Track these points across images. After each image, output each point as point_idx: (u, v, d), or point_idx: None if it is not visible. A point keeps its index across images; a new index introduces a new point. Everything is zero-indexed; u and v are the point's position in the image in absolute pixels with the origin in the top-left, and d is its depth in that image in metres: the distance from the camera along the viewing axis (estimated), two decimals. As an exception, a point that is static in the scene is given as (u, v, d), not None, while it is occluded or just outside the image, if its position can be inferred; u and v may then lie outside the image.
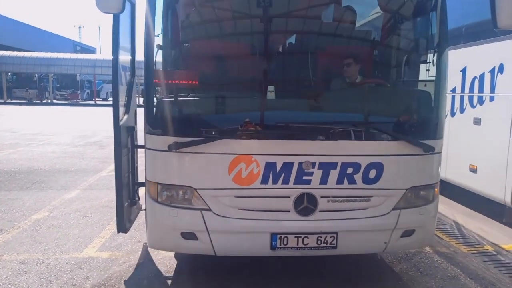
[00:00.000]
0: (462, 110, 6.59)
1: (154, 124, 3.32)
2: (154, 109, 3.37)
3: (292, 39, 3.96)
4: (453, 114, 6.84)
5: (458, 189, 6.76)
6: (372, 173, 3.32)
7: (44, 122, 19.77)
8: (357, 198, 3.36)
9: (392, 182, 3.38)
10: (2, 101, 38.02)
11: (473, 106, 6.32)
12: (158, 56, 3.41)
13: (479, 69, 6.19)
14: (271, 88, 3.41)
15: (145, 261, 4.32)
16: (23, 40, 43.51)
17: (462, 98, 6.60)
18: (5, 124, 18.37)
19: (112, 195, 6.83)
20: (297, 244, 3.30)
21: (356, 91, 3.90)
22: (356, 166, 3.28)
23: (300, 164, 3.20)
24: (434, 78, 3.60)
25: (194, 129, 3.22)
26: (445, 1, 3.55)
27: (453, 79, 6.85)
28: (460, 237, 5.32)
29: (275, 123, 3.33)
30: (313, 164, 3.21)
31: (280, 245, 3.27)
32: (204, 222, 3.23)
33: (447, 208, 6.64)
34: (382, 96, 3.90)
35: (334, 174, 3.25)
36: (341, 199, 3.33)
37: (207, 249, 3.30)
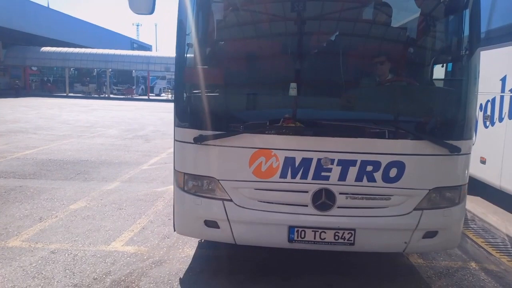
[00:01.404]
0: (523, 113, 5.95)
1: (182, 118, 3.50)
2: (183, 103, 3.53)
3: (321, 39, 3.95)
4: (511, 116, 6.19)
5: (515, 200, 6.13)
6: (393, 172, 3.29)
7: (98, 115, 20.74)
8: (377, 196, 3.34)
9: (414, 182, 3.33)
10: (64, 94, 40.57)
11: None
12: (188, 54, 3.54)
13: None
14: (293, 85, 3.42)
15: (169, 258, 4.27)
16: (84, 38, 46.09)
17: (523, 99, 5.95)
18: (63, 116, 19.47)
19: (148, 188, 6.99)
20: (314, 238, 3.35)
21: (381, 90, 3.82)
22: (376, 164, 3.27)
23: (319, 160, 3.25)
24: (462, 77, 3.54)
25: (218, 123, 3.33)
26: (479, 2, 3.46)
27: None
28: (513, 254, 4.79)
29: (295, 119, 3.33)
30: (332, 161, 3.25)
31: (298, 238, 3.35)
32: (225, 212, 3.37)
33: (500, 220, 6.04)
34: (408, 95, 3.80)
35: (353, 171, 3.26)
36: (360, 196, 3.34)
37: (227, 237, 3.45)
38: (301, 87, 3.50)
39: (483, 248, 4.91)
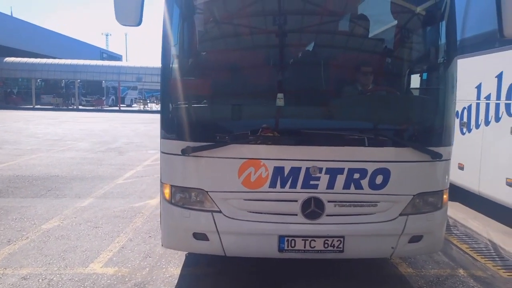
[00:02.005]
0: (497, 119, 6.07)
1: (169, 130, 3.47)
2: (169, 115, 3.51)
3: (303, 49, 4.00)
4: (487, 123, 6.32)
5: (494, 205, 6.23)
6: (379, 179, 3.35)
7: (67, 128, 20.03)
8: (364, 203, 3.40)
9: (399, 188, 3.41)
10: (31, 106, 39.11)
11: (510, 115, 5.80)
12: (174, 65, 3.52)
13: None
14: (280, 95, 3.42)
15: (152, 279, 4.04)
16: (51, 48, 44.85)
17: (497, 105, 6.09)
18: (30, 129, 18.69)
19: (125, 204, 6.70)
20: (304, 247, 3.36)
21: (364, 99, 3.90)
22: (363, 172, 3.32)
23: (307, 169, 3.27)
24: (442, 86, 3.64)
25: (206, 135, 3.32)
26: (454, 12, 3.58)
27: (487, 85, 6.37)
28: (497, 259, 4.82)
29: (283, 129, 3.39)
30: (320, 169, 3.28)
31: (288, 247, 3.35)
32: (215, 224, 3.33)
33: (481, 225, 6.12)
34: (390, 104, 3.91)
35: (341, 179, 3.31)
36: (348, 203, 3.38)
37: (217, 249, 3.41)
38: (289, 97, 3.50)
39: (468, 254, 4.93)
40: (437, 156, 3.40)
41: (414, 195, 3.44)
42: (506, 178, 5.80)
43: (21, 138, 15.35)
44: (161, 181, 3.58)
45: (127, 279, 4.00)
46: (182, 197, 3.42)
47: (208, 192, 3.34)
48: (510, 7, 3.22)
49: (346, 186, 3.32)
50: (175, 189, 3.44)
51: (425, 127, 3.66)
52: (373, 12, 3.85)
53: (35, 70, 38.28)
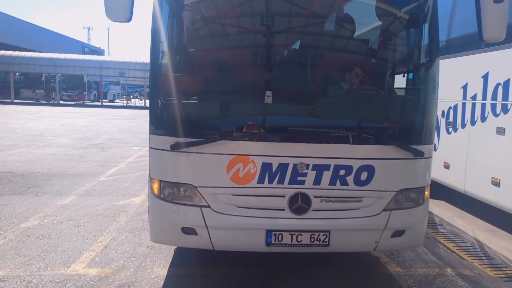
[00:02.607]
0: (483, 119, 6.12)
1: (158, 125, 3.49)
2: (158, 111, 3.54)
3: (290, 49, 4.07)
4: (473, 123, 6.37)
5: (479, 203, 6.29)
6: (364, 175, 3.45)
7: (48, 123, 19.52)
8: (349, 199, 3.49)
9: (383, 184, 3.51)
10: (9, 101, 38.04)
11: (496, 115, 5.86)
12: (163, 61, 3.54)
13: (503, 75, 5.73)
14: (268, 93, 3.47)
15: (137, 280, 3.91)
16: (31, 41, 43.73)
17: (483, 106, 6.14)
18: (9, 124, 18.14)
19: (108, 202, 6.51)
20: (291, 241, 3.44)
21: (349, 98, 3.99)
22: (348, 168, 3.42)
23: (295, 165, 3.34)
24: (424, 86, 3.76)
25: (195, 131, 3.37)
26: (437, 14, 3.67)
27: (473, 86, 6.42)
28: (484, 258, 4.85)
29: (271, 126, 3.51)
30: (307, 166, 3.35)
31: (275, 241, 3.42)
32: (204, 218, 3.38)
33: (466, 223, 6.18)
34: (374, 103, 4.04)
35: (327, 176, 3.39)
36: (333, 199, 3.46)
37: (205, 243, 3.46)
38: (276, 95, 3.52)
39: (455, 253, 4.95)
40: (419, 154, 3.53)
41: (397, 191, 3.56)
42: (492, 177, 5.86)
43: (0, 133, 14.89)
44: (149, 176, 3.59)
45: (110, 280, 3.86)
46: (171, 192, 3.44)
47: (197, 188, 3.37)
48: (488, 12, 3.33)
49: (332, 182, 3.40)
50: (164, 184, 3.45)
51: (407, 125, 3.78)
52: (358, 13, 3.93)
53: (14, 63, 37.19)
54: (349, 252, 4.48)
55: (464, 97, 6.62)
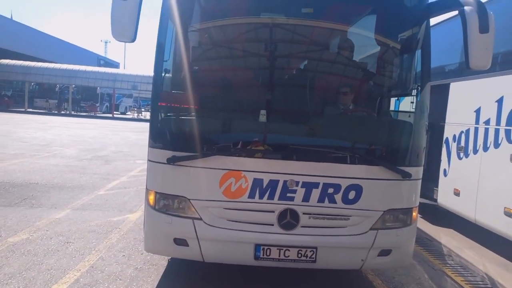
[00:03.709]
0: (497, 145, 5.82)
1: (157, 139, 3.66)
2: (158, 125, 3.71)
3: (287, 72, 4.22)
4: (486, 148, 6.07)
5: (490, 234, 5.93)
6: (352, 194, 3.53)
7: (57, 133, 19.61)
8: (337, 217, 3.56)
9: (370, 204, 3.57)
10: (23, 110, 38.62)
11: (510, 142, 5.56)
12: (165, 79, 3.75)
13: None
14: (262, 112, 3.62)
15: (119, 305, 3.67)
16: (48, 52, 44.61)
17: (497, 131, 5.84)
18: (18, 133, 18.24)
19: (102, 217, 6.32)
20: (279, 256, 3.52)
21: (340, 120, 4.13)
22: (337, 187, 3.50)
23: (285, 182, 3.45)
24: (414, 110, 3.87)
25: (191, 145, 3.47)
26: (429, 44, 3.82)
27: (487, 110, 6.14)
28: (495, 296, 4.51)
29: (264, 144, 3.56)
30: (297, 183, 3.45)
31: (263, 255, 3.51)
32: (195, 230, 3.48)
33: (477, 255, 5.81)
34: (364, 125, 4.16)
35: (316, 193, 3.48)
36: (321, 216, 3.54)
37: (196, 255, 3.56)
38: (270, 114, 3.69)
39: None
40: (407, 176, 3.62)
41: (384, 211, 3.62)
42: (505, 208, 5.53)
43: (7, 141, 14.92)
44: (146, 187, 3.74)
45: (91, 305, 3.63)
46: (165, 204, 3.57)
47: (191, 200, 3.49)
48: (474, 42, 3.44)
49: (321, 199, 3.49)
50: (159, 195, 3.58)
51: (396, 147, 3.89)
52: (353, 41, 4.10)
53: (30, 73, 37.89)
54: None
55: (477, 122, 6.34)
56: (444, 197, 7.15)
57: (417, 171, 3.76)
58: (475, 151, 6.33)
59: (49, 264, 4.41)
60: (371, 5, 4.04)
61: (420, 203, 7.61)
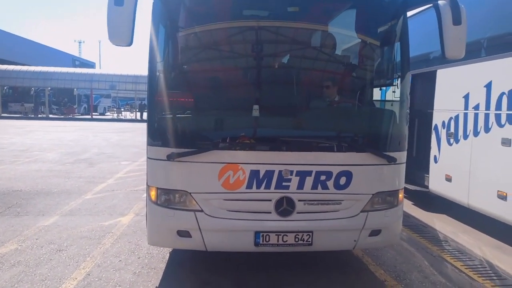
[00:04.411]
0: (487, 130, 5.88)
1: (155, 137, 3.81)
2: (155, 124, 3.83)
3: (276, 67, 4.36)
4: (476, 133, 6.13)
5: (484, 218, 6.01)
6: (343, 180, 3.77)
7: (36, 138, 19.03)
8: (330, 202, 3.81)
9: (360, 188, 3.84)
10: (-3, 115, 37.41)
11: (501, 126, 5.62)
12: (160, 79, 3.86)
13: (508, 84, 5.50)
14: (255, 107, 3.79)
15: (122, 313, 3.53)
16: (20, 55, 43.20)
17: (487, 116, 5.90)
18: (-6, 139, 17.63)
19: (93, 222, 6.12)
20: (278, 241, 3.74)
21: (328, 111, 4.35)
22: (329, 174, 3.74)
23: (280, 172, 3.66)
24: (396, 99, 4.09)
25: (189, 142, 3.67)
26: (407, 36, 4.06)
27: (475, 95, 6.19)
28: (495, 278, 4.54)
29: (259, 137, 3.82)
30: (291, 172, 3.67)
31: (263, 242, 3.72)
32: (197, 222, 3.66)
33: (472, 239, 5.88)
34: (351, 115, 4.44)
35: (309, 181, 3.71)
36: (315, 202, 3.78)
37: (199, 245, 3.74)
38: (263, 109, 3.84)
39: (464, 273, 4.64)
40: (392, 160, 3.88)
41: (373, 194, 3.88)
42: (498, 191, 5.59)
43: (-17, 148, 14.39)
44: (147, 184, 3.89)
45: (92, 315, 3.48)
46: (167, 199, 3.72)
47: (191, 193, 3.65)
48: (449, 33, 3.74)
49: (314, 186, 3.72)
50: (160, 191, 3.74)
51: (381, 135, 4.10)
52: (335, 36, 4.32)
53: (2, 77, 36.69)
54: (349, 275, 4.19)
55: (466, 107, 6.39)
56: (436, 184, 7.22)
57: (401, 156, 4.03)
58: (466, 137, 6.38)
59: (43, 274, 4.22)
60: (350, 0, 4.26)
61: (411, 190, 7.80)
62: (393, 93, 4.16)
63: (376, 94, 4.74)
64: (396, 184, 4.04)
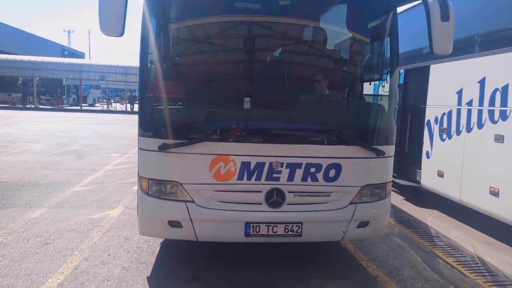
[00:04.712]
0: (480, 126, 5.87)
1: (147, 128, 3.83)
2: (147, 115, 3.87)
3: (266, 61, 4.39)
4: (469, 129, 6.12)
5: (476, 214, 6.02)
6: (332, 172, 3.83)
7: (24, 128, 18.70)
8: (319, 193, 3.87)
9: (349, 180, 3.90)
10: (-17, 105, 36.73)
11: (494, 122, 5.61)
12: (151, 70, 3.90)
13: (502, 80, 5.48)
14: (246, 99, 3.79)
15: (110, 309, 3.44)
16: (8, 43, 42.23)
17: (480, 112, 5.89)
18: (-20, 129, 17.28)
19: (81, 215, 6.00)
20: (268, 232, 3.78)
21: (318, 104, 4.40)
22: (318, 166, 3.80)
23: (270, 163, 3.71)
24: (385, 94, 4.15)
25: (181, 133, 3.69)
26: (397, 32, 4.12)
27: (469, 91, 6.17)
28: (487, 274, 4.54)
29: (250, 129, 3.83)
30: (282, 164, 3.72)
31: (253, 232, 3.76)
32: (188, 212, 3.70)
33: (464, 235, 5.89)
34: (341, 109, 4.52)
35: (299, 173, 3.76)
36: (305, 194, 3.84)
37: (190, 235, 3.79)
38: (254, 101, 3.85)
39: (456, 269, 4.63)
40: (380, 153, 3.95)
41: (361, 187, 3.95)
42: (490, 187, 5.60)
43: (-31, 139, 14.08)
44: (138, 175, 3.89)
45: (79, 311, 3.39)
46: (158, 189, 3.75)
47: (183, 184, 3.69)
48: (437, 29, 3.78)
49: (304, 178, 3.77)
50: (152, 181, 3.77)
51: (370, 128, 4.20)
52: (325, 31, 4.38)
53: (-12, 66, 35.96)
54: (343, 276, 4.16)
55: (459, 103, 6.38)
56: (428, 179, 7.22)
57: (389, 149, 4.10)
58: (458, 132, 6.37)
59: (29, 269, 4.11)
60: None
61: (403, 185, 7.79)
62: (382, 88, 4.23)
63: (366, 88, 4.77)
64: (384, 177, 4.12)
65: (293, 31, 4.40)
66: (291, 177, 3.74)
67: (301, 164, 3.75)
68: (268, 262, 4.47)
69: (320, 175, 3.80)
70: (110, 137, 16.51)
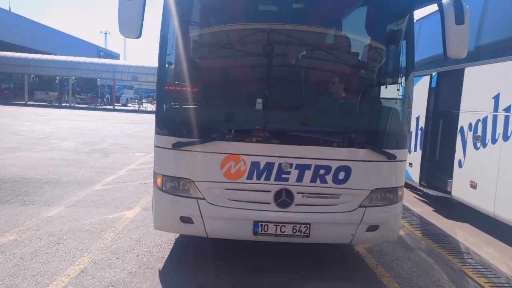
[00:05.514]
0: (519, 134, 5.40)
1: (162, 127, 3.99)
2: (163, 114, 4.04)
3: (281, 63, 4.42)
4: (506, 138, 5.65)
5: (508, 228, 5.54)
6: (341, 175, 3.83)
7: (56, 126, 19.26)
8: (328, 195, 3.88)
9: (359, 183, 3.88)
10: (23, 102, 38.30)
11: (535, 130, 5.13)
12: (168, 71, 4.07)
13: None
14: (259, 100, 3.91)
15: (110, 317, 3.31)
16: (47, 44, 44.03)
17: (520, 119, 5.41)
18: (16, 126, 17.91)
19: (97, 215, 5.96)
20: (276, 232, 3.82)
21: (330, 107, 4.31)
22: (328, 168, 3.81)
23: (280, 164, 3.76)
24: (399, 97, 4.18)
25: (194, 132, 3.80)
26: (413, 34, 4.11)
27: (507, 96, 5.70)
28: (522, 299, 4.12)
29: (260, 129, 3.90)
30: (291, 165, 3.76)
31: (261, 231, 3.81)
32: (199, 209, 3.80)
33: (497, 253, 5.42)
34: (352, 111, 4.43)
35: (308, 174, 3.79)
36: (314, 195, 3.85)
37: (200, 231, 3.88)
38: (266, 103, 3.96)
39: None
40: (392, 157, 3.90)
41: (371, 190, 3.92)
42: (528, 201, 5.13)
43: (3, 135, 14.57)
44: (154, 171, 4.07)
45: (78, 317, 3.27)
46: (171, 186, 3.89)
47: (195, 182, 3.80)
48: (451, 32, 3.78)
49: (313, 180, 3.79)
50: (166, 178, 3.91)
51: (382, 132, 4.15)
52: (342, 35, 4.41)
53: (29, 66, 37.50)
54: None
55: (496, 109, 5.90)
56: (459, 190, 6.75)
57: (402, 154, 4.07)
58: (494, 141, 5.90)
59: (36, 269, 4.05)
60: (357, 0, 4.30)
61: (433, 196, 7.33)
62: (396, 92, 4.23)
63: (378, 92, 4.63)
64: (395, 181, 4.08)
65: (307, 36, 4.42)
66: (300, 178, 3.77)
67: (311, 165, 3.77)
68: (280, 270, 4.23)
69: (329, 177, 3.80)
70: (138, 137, 16.70)
